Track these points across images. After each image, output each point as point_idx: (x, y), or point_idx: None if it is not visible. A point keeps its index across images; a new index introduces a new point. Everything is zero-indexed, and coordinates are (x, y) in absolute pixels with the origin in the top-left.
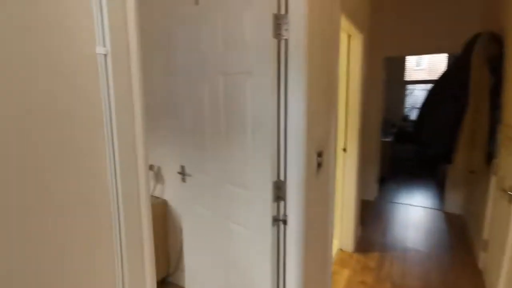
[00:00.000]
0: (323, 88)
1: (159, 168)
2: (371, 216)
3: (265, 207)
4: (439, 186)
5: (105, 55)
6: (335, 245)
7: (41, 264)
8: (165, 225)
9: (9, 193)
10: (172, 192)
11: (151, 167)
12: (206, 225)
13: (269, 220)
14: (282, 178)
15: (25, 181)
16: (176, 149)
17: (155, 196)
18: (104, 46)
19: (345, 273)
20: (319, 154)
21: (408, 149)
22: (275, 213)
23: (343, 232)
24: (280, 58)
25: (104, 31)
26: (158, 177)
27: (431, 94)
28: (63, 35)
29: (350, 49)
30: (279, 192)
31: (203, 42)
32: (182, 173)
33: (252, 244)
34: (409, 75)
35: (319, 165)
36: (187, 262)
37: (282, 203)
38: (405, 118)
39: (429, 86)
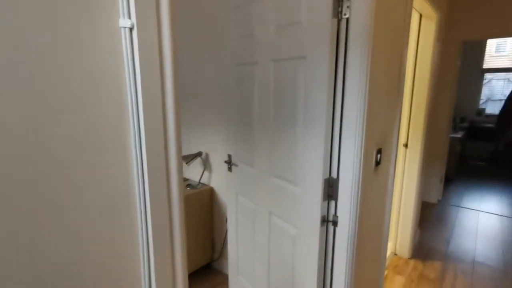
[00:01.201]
0: (388, 76)
1: (207, 155)
2: (432, 220)
3: (314, 206)
4: None
5: (130, 29)
6: (389, 248)
7: (57, 256)
8: (211, 212)
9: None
10: (218, 179)
11: (199, 154)
12: (250, 217)
13: (317, 220)
14: (334, 175)
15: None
16: (224, 137)
17: (202, 183)
18: (129, 18)
19: (399, 281)
20: (378, 151)
21: (481, 148)
22: (324, 213)
23: (398, 235)
24: (339, 40)
25: (129, 0)
26: (206, 164)
27: None
28: (79, 3)
29: (421, 31)
30: (330, 190)
31: (254, 27)
32: (229, 162)
33: (297, 243)
34: (488, 62)
35: (378, 163)
36: (230, 252)
37: (333, 203)
38: (480, 112)
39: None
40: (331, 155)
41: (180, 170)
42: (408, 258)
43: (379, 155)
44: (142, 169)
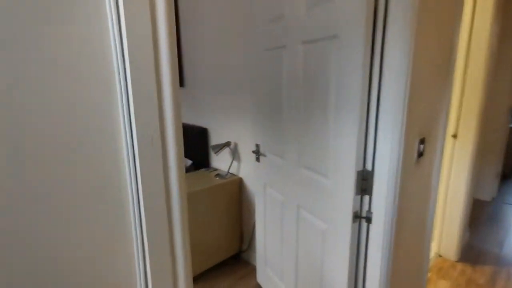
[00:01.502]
0: (434, 56)
1: (235, 145)
2: (485, 219)
3: (346, 200)
4: None
5: None
6: (432, 249)
7: (42, 261)
8: (239, 203)
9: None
10: (247, 170)
11: (228, 143)
12: (278, 209)
13: (349, 216)
14: (369, 167)
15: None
16: (252, 126)
17: (231, 173)
18: None
19: (443, 285)
20: (421, 141)
21: None
22: (357, 208)
23: (444, 235)
24: (377, 14)
25: None
26: (235, 153)
27: None
28: None
29: (478, 3)
30: (364, 183)
31: (282, 8)
32: (257, 152)
33: (327, 239)
34: None
35: (420, 154)
36: (258, 243)
37: (366, 198)
38: None
39: None
40: (366, 145)
41: (181, 162)
42: (455, 261)
43: (422, 146)
44: (133, 160)
